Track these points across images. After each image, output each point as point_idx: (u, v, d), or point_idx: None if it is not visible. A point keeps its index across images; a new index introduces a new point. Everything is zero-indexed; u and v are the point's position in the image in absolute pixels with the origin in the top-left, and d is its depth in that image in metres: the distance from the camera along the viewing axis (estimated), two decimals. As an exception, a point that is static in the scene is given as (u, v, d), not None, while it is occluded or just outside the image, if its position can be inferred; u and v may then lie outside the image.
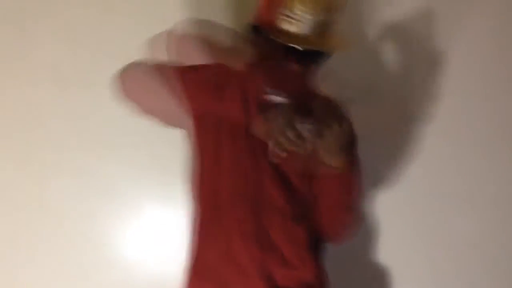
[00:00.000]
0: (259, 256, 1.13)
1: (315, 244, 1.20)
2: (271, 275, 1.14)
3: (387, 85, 1.58)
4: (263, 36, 1.11)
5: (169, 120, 1.27)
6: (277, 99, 1.11)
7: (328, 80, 1.27)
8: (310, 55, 1.11)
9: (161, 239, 1.58)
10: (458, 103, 1.59)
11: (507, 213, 1.62)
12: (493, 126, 1.61)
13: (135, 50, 1.50)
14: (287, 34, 1.08)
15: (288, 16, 1.09)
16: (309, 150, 0.98)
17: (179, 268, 1.52)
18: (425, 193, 1.59)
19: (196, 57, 1.32)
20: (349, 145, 1.05)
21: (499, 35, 1.61)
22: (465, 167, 1.61)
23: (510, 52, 1.61)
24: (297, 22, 1.08)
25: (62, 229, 1.55)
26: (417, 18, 1.58)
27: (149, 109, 1.24)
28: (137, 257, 1.58)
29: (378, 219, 1.59)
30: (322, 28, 1.11)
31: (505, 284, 1.61)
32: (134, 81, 1.19)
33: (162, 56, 1.36)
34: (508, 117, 1.62)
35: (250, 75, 1.16)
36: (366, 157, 1.20)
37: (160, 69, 1.17)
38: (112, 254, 1.57)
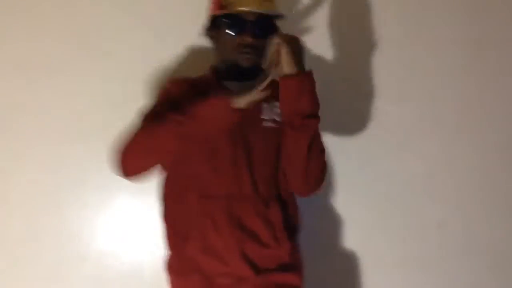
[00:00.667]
0: (236, 244, 1.18)
1: (290, 224, 1.25)
2: (251, 260, 1.19)
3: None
4: (212, 24, 1.25)
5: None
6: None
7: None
8: (260, 25, 1.20)
9: (132, 230, 1.56)
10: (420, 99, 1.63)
11: (472, 195, 1.67)
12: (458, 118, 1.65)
13: (102, 40, 1.49)
14: (227, 5, 1.20)
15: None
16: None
17: (151, 259, 1.53)
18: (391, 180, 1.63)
19: None
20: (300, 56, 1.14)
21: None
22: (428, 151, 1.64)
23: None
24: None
25: (30, 222, 1.53)
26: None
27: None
28: (109, 248, 1.56)
29: (345, 208, 1.62)
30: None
31: (474, 266, 1.65)
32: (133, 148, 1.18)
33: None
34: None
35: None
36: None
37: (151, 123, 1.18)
38: (83, 246, 1.55)
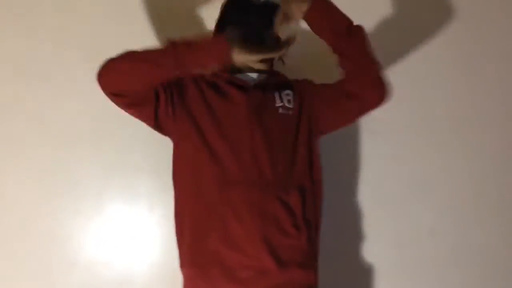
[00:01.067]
0: (258, 232, 1.17)
1: (309, 217, 1.25)
2: (274, 249, 1.17)
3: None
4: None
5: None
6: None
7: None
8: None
9: (124, 237, 1.55)
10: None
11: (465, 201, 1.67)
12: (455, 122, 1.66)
13: (98, 44, 1.48)
14: None
15: None
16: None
17: (142, 266, 1.52)
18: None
19: None
20: None
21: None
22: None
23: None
24: None
25: (22, 228, 1.51)
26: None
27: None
28: (100, 256, 1.55)
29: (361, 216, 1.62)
30: None
31: (466, 272, 1.65)
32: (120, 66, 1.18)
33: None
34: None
35: None
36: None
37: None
38: (74, 254, 1.54)
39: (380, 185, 1.61)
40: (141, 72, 1.15)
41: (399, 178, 1.62)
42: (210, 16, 1.40)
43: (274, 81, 1.30)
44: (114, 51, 1.44)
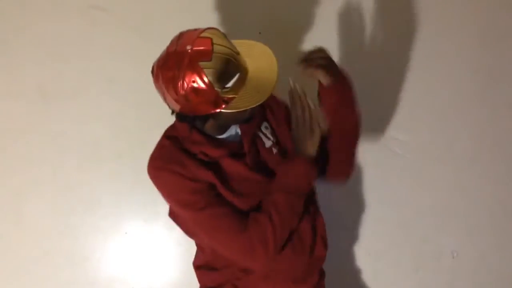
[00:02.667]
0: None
1: None
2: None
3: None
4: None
5: None
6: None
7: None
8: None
9: (143, 256, 1.56)
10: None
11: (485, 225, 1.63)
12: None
13: (120, 66, 1.51)
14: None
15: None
16: None
17: (161, 285, 1.52)
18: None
19: None
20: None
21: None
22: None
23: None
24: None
25: (40, 245, 1.53)
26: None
27: None
28: (119, 274, 1.56)
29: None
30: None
31: None
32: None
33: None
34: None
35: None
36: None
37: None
38: (93, 272, 1.55)
39: (400, 208, 1.60)
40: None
41: (419, 201, 1.60)
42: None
43: (254, 123, 1.20)
44: (135, 74, 1.51)
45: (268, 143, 1.21)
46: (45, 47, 1.51)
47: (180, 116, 1.09)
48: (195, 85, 0.99)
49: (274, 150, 1.22)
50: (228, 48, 1.01)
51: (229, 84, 1.01)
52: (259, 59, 1.07)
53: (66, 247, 1.54)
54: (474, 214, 1.63)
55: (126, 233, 1.54)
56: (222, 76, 1.00)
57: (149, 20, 1.52)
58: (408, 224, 1.60)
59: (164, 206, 1.51)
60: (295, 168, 1.14)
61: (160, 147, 1.16)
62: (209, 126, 1.13)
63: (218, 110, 1.02)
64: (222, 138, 1.16)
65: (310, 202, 1.23)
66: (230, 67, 1.01)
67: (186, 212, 1.12)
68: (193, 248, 1.27)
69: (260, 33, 1.49)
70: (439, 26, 1.57)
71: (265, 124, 1.24)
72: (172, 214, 1.23)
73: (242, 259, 1.12)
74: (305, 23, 1.55)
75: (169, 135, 1.17)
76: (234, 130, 1.17)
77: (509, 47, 1.64)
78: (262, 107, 1.23)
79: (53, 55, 1.52)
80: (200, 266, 1.26)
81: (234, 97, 1.02)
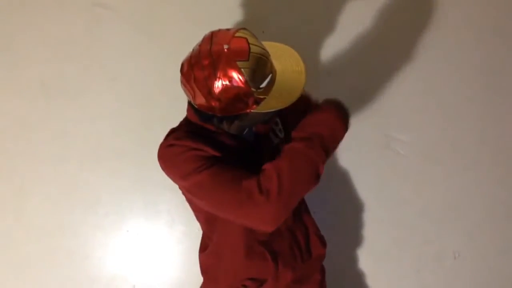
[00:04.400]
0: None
1: None
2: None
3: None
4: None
5: None
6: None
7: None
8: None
9: (144, 254, 1.56)
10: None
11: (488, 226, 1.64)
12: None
13: (122, 64, 1.52)
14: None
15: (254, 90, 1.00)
16: None
17: (162, 283, 1.52)
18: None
19: None
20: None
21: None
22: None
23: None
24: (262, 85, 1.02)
25: (42, 243, 1.53)
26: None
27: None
28: (120, 272, 1.55)
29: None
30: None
31: None
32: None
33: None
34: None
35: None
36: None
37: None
38: (95, 270, 1.55)
39: (402, 208, 1.59)
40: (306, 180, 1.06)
41: (421, 201, 1.60)
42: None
43: (269, 125, 1.21)
44: (138, 73, 1.51)
45: (275, 140, 1.21)
46: (47, 45, 1.51)
47: (206, 117, 1.06)
48: (231, 84, 0.98)
49: (276, 140, 1.21)
50: (262, 48, 1.01)
51: (263, 85, 1.01)
52: (284, 60, 1.07)
53: (67, 245, 1.53)
54: (475, 215, 1.61)
55: (127, 231, 1.54)
56: (257, 76, 0.99)
57: (152, 18, 1.51)
58: (409, 225, 1.59)
59: (165, 205, 1.52)
60: (319, 115, 1.10)
61: (171, 131, 1.15)
62: (232, 127, 1.11)
63: (248, 111, 1.01)
64: (238, 135, 1.14)
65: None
66: (264, 67, 1.00)
67: (191, 181, 1.05)
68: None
69: (263, 32, 1.49)
70: (441, 26, 1.57)
71: (276, 121, 1.22)
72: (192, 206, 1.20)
73: (243, 211, 1.01)
74: (308, 22, 1.55)
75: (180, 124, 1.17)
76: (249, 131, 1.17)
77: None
78: None
79: (55, 53, 1.51)
80: (206, 272, 1.25)
81: (264, 98, 1.02)
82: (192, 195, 1.11)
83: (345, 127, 1.12)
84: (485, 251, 1.62)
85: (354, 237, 1.59)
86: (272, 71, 1.03)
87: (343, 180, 1.56)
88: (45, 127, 1.52)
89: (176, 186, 1.46)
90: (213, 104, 1.00)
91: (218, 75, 0.97)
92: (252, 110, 1.02)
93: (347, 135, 1.15)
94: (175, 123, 1.47)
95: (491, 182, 1.61)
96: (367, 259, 1.60)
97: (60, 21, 1.50)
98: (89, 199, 1.53)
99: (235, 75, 0.97)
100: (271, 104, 1.02)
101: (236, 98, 0.99)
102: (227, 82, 0.97)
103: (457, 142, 1.60)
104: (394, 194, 1.59)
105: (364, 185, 1.58)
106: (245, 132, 1.16)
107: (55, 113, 1.52)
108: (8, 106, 1.51)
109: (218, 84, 0.98)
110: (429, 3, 1.57)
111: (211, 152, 1.05)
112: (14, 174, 1.52)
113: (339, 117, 1.11)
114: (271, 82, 1.03)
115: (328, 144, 1.08)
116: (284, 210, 1.02)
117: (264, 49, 1.02)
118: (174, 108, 1.50)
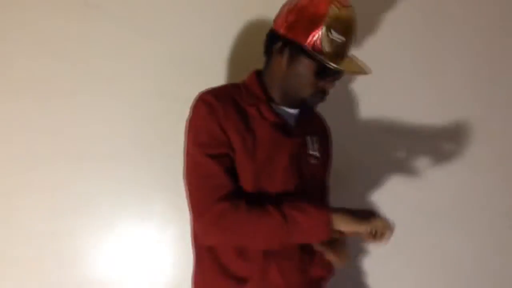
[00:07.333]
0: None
1: None
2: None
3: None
4: (294, 48, 1.14)
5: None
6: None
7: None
8: (335, 75, 1.16)
9: (136, 256, 1.53)
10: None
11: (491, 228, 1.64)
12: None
13: (117, 64, 1.50)
14: (325, 53, 1.12)
15: (324, 36, 1.11)
16: None
17: (155, 286, 1.50)
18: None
19: None
20: None
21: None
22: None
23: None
24: (332, 43, 1.12)
25: (31, 247, 1.48)
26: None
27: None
28: (112, 275, 1.52)
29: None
30: (347, 51, 1.16)
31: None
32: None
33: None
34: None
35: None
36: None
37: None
38: (86, 272, 1.52)
39: (400, 208, 1.59)
40: (249, 236, 1.11)
41: (419, 202, 1.60)
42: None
43: (311, 126, 1.27)
44: (134, 74, 1.50)
45: (311, 149, 1.23)
46: (41, 44, 1.48)
47: (271, 42, 1.19)
48: (312, 2, 1.12)
49: (312, 160, 1.22)
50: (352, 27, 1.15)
51: (334, 36, 1.11)
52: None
53: (58, 248, 1.49)
54: (475, 215, 1.62)
55: (120, 233, 1.52)
56: (337, 24, 1.11)
57: (147, 17, 1.50)
58: (408, 225, 1.58)
59: (158, 206, 1.51)
60: (315, 212, 1.10)
61: (220, 86, 1.22)
62: (276, 85, 1.20)
63: (308, 44, 1.12)
64: (279, 110, 1.21)
65: None
66: (345, 28, 1.12)
67: (191, 153, 1.14)
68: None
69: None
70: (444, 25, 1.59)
71: (316, 138, 1.26)
72: None
73: (196, 214, 1.11)
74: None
75: (233, 84, 1.24)
76: (294, 113, 1.23)
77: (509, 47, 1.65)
78: (319, 125, 1.33)
79: (49, 52, 1.48)
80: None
81: (327, 53, 1.12)
82: (184, 160, 1.17)
83: (327, 236, 1.11)
84: (484, 251, 1.63)
85: (352, 237, 1.59)
86: (349, 40, 1.14)
87: (342, 179, 1.55)
88: (35, 128, 1.49)
89: (170, 188, 1.47)
90: (288, 18, 1.14)
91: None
92: (310, 48, 1.11)
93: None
94: (169, 124, 1.47)
95: (490, 182, 1.63)
96: (365, 259, 1.59)
97: (53, 20, 1.48)
98: (79, 201, 1.49)
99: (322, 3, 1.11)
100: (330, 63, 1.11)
101: (307, 21, 1.11)
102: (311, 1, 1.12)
103: (457, 142, 1.62)
104: (393, 194, 1.59)
105: (362, 185, 1.59)
106: (286, 112, 1.21)
107: (47, 113, 1.49)
108: (1, 107, 1.48)
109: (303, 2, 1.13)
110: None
111: (232, 138, 1.12)
112: (3, 176, 1.49)
113: (328, 227, 1.09)
114: (342, 47, 1.13)
115: (296, 236, 1.09)
116: (216, 241, 1.14)
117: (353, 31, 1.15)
118: (169, 109, 1.50)
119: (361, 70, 1.15)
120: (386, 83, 1.59)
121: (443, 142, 1.62)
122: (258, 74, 1.23)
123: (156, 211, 1.50)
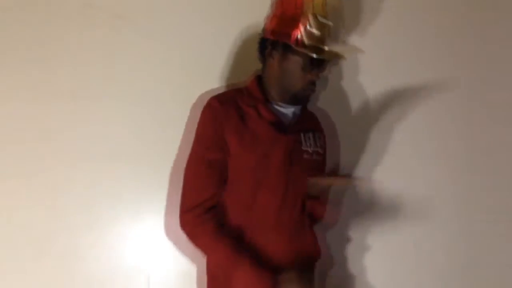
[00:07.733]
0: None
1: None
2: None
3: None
4: (281, 48, 1.27)
5: None
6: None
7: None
8: (320, 65, 1.29)
9: (136, 257, 1.54)
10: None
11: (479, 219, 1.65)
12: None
13: (118, 65, 1.50)
14: (307, 46, 1.23)
15: (303, 31, 1.24)
16: None
17: (158, 280, 1.51)
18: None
19: None
20: None
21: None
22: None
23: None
24: (311, 36, 1.24)
25: (32, 247, 1.48)
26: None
27: None
28: (112, 276, 1.53)
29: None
30: (327, 40, 1.28)
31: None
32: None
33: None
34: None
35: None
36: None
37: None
38: (85, 273, 1.52)
39: (397, 207, 1.58)
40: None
41: (417, 201, 1.60)
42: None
43: (305, 124, 1.37)
44: (134, 75, 1.51)
45: (305, 146, 1.33)
46: (41, 46, 1.48)
47: (263, 47, 1.31)
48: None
49: (306, 156, 1.32)
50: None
51: (315, 29, 1.23)
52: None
53: (60, 245, 1.47)
54: (473, 215, 1.62)
55: (120, 233, 1.53)
56: (315, 18, 1.23)
57: (147, 18, 1.50)
58: (406, 224, 1.59)
59: (159, 205, 1.51)
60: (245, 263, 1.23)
61: (226, 91, 1.36)
62: (273, 85, 1.31)
63: (293, 40, 1.23)
64: (276, 109, 1.32)
65: None
66: (323, 20, 1.24)
67: (192, 153, 1.29)
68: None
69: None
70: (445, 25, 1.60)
71: (311, 134, 1.36)
72: None
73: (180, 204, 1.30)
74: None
75: (235, 88, 1.37)
76: (290, 112, 1.33)
77: (507, 51, 1.65)
78: (314, 122, 1.42)
79: (49, 53, 1.49)
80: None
81: (309, 45, 1.22)
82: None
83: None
84: (483, 251, 1.63)
85: (350, 236, 1.58)
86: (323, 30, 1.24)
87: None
88: (37, 128, 1.49)
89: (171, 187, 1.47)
90: (272, 23, 1.28)
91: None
92: (294, 45, 1.22)
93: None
94: (170, 124, 1.48)
95: (488, 182, 1.63)
96: (363, 258, 1.59)
97: (53, 22, 1.49)
98: (80, 199, 1.48)
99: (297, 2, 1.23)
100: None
101: (286, 21, 1.24)
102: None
103: (456, 142, 1.62)
104: (390, 193, 1.59)
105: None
106: (282, 110, 1.32)
107: (47, 114, 1.49)
108: (1, 109, 1.48)
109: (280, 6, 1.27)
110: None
111: (228, 138, 1.24)
112: (6, 175, 1.49)
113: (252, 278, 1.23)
114: (320, 37, 1.23)
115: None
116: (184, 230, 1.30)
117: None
118: (169, 109, 1.50)
119: (341, 55, 1.28)
120: (384, 82, 1.60)
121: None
122: (259, 77, 1.35)
123: (156, 210, 1.51)
